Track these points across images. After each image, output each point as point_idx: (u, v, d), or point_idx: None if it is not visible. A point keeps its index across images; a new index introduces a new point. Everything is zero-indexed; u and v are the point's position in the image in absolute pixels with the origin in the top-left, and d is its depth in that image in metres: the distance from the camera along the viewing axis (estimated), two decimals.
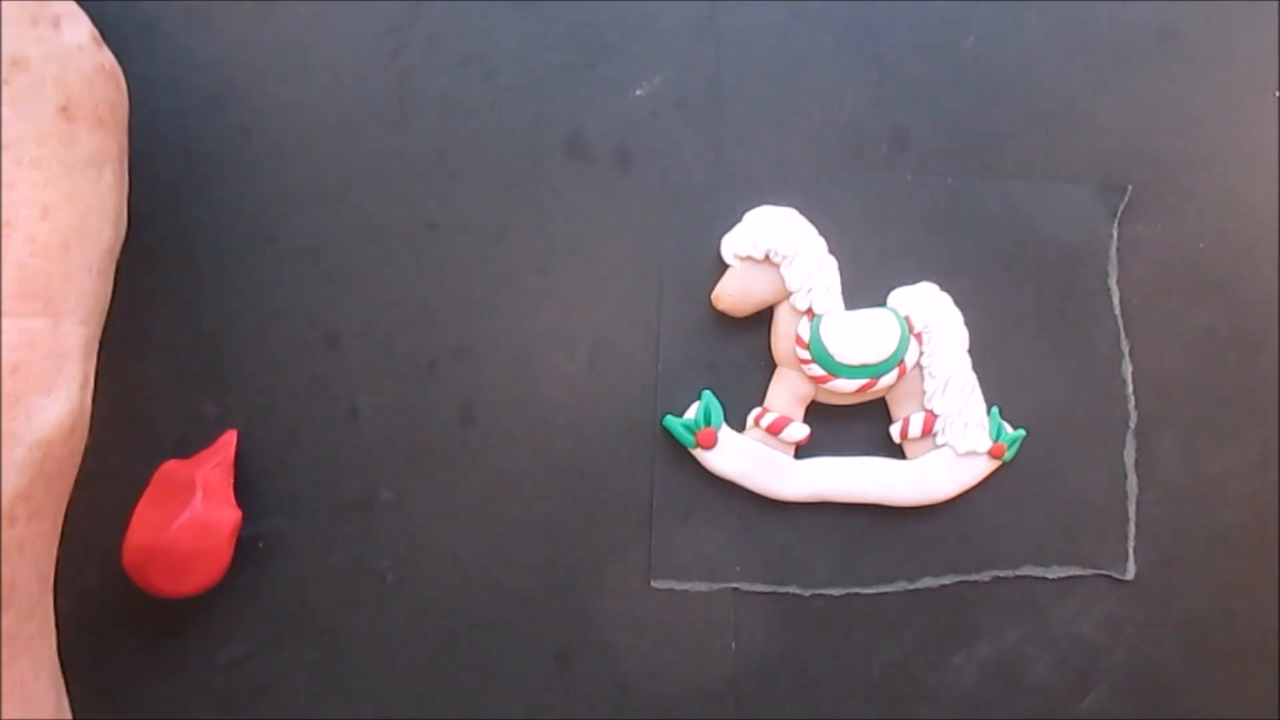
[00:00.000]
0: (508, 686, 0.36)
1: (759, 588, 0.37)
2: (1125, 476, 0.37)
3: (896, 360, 0.36)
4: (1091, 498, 0.37)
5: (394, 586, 0.36)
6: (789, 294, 0.36)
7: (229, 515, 0.34)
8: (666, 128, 0.38)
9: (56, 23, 0.28)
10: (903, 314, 0.36)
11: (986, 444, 0.36)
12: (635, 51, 0.38)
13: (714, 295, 0.37)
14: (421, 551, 0.36)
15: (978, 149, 0.38)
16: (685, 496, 0.37)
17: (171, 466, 0.35)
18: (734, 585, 0.37)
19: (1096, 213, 0.38)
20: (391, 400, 0.37)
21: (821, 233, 0.37)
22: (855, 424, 0.37)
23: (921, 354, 0.36)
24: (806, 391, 0.36)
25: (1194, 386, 0.38)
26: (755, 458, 0.36)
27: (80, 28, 0.29)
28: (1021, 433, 0.37)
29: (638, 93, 0.38)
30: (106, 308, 0.32)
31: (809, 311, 0.36)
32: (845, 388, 0.36)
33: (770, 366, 0.37)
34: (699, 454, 0.36)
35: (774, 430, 0.36)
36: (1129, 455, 0.37)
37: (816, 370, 0.36)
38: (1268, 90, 0.39)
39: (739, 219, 0.37)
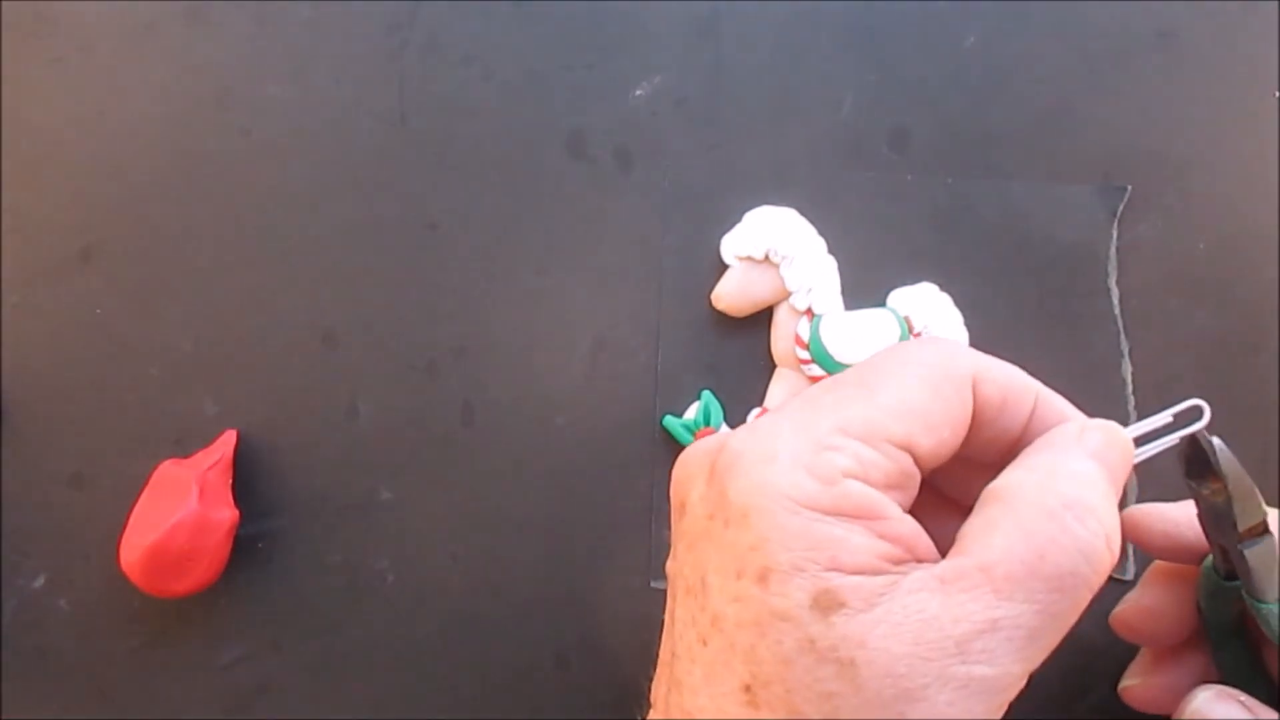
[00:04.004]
0: (508, 686, 0.36)
1: None
2: None
3: None
4: None
5: (394, 586, 0.36)
6: (789, 294, 0.36)
7: (226, 515, 0.34)
8: (666, 128, 0.38)
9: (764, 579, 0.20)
10: (903, 314, 0.36)
11: None
12: (635, 51, 0.38)
13: (714, 295, 0.37)
14: (421, 551, 0.36)
15: (978, 149, 0.38)
16: None
17: (169, 466, 0.35)
18: None
19: (1096, 213, 0.38)
20: (391, 400, 0.37)
21: (821, 233, 0.37)
22: None
23: None
24: None
25: (1194, 386, 0.38)
26: None
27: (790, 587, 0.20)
28: None
29: (638, 93, 0.38)
30: None
31: (809, 311, 0.36)
32: None
33: (770, 366, 0.37)
34: None
35: None
36: None
37: (816, 370, 0.36)
38: (1268, 90, 0.39)
39: (739, 219, 0.37)
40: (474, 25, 0.38)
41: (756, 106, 0.38)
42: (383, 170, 0.37)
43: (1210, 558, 0.27)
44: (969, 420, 0.23)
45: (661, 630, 0.23)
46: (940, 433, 0.22)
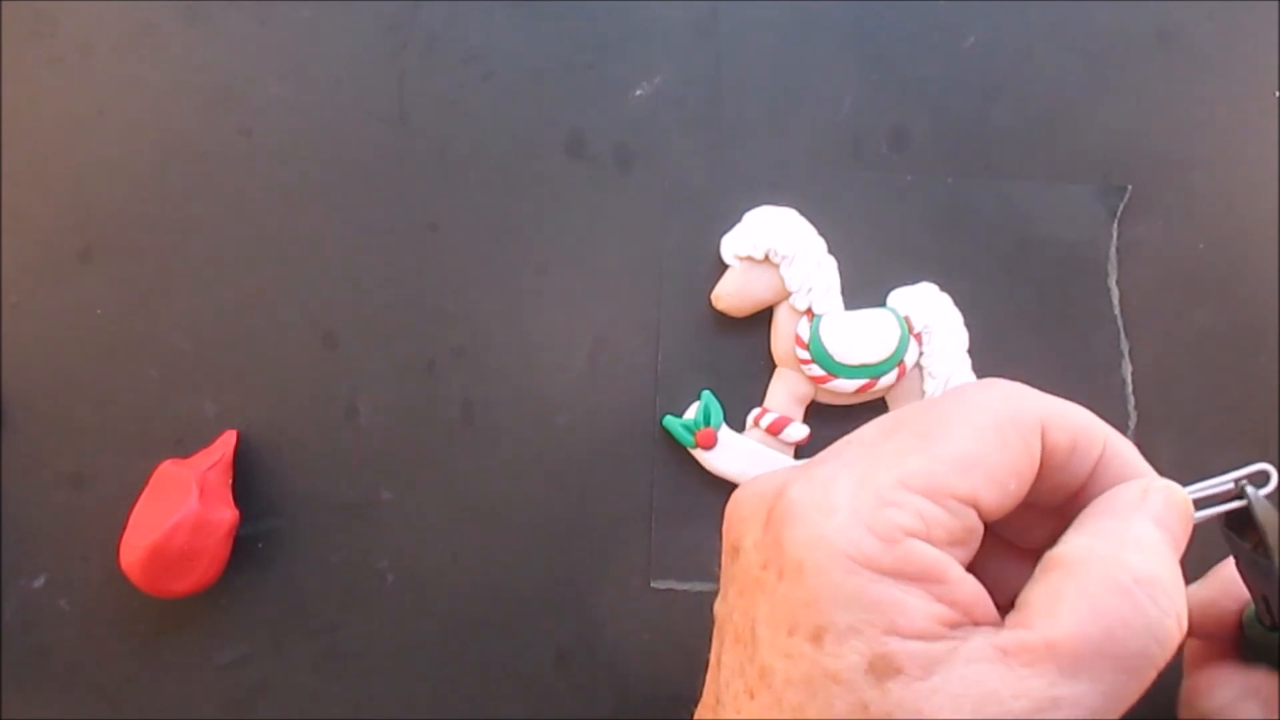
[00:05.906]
0: (508, 686, 0.36)
1: None
2: None
3: (896, 360, 0.36)
4: None
5: (394, 586, 0.36)
6: (789, 294, 0.36)
7: (225, 515, 0.34)
8: (666, 128, 0.38)
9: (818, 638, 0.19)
10: (903, 314, 0.36)
11: None
12: (635, 51, 0.38)
13: (714, 295, 0.37)
14: (421, 551, 0.36)
15: (978, 149, 0.38)
16: (685, 496, 0.37)
17: (169, 466, 0.35)
18: None
19: (1096, 213, 0.38)
20: (391, 400, 0.37)
21: (821, 233, 0.37)
22: (855, 424, 0.37)
23: (921, 354, 0.36)
24: (806, 392, 0.36)
25: (1194, 386, 0.38)
26: (755, 458, 0.36)
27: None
28: None
29: (638, 93, 0.38)
30: None
31: (809, 312, 0.36)
32: (845, 388, 0.36)
33: (770, 366, 0.37)
34: (699, 454, 0.36)
35: (774, 430, 0.36)
36: None
37: (816, 370, 0.36)
38: (1268, 90, 0.39)
39: (739, 219, 0.37)
40: (474, 25, 0.38)
41: (756, 106, 0.38)
42: (383, 170, 0.37)
43: (1252, 609, 0.27)
44: (1036, 470, 0.22)
45: (705, 670, 0.23)
46: (1006, 485, 0.21)
